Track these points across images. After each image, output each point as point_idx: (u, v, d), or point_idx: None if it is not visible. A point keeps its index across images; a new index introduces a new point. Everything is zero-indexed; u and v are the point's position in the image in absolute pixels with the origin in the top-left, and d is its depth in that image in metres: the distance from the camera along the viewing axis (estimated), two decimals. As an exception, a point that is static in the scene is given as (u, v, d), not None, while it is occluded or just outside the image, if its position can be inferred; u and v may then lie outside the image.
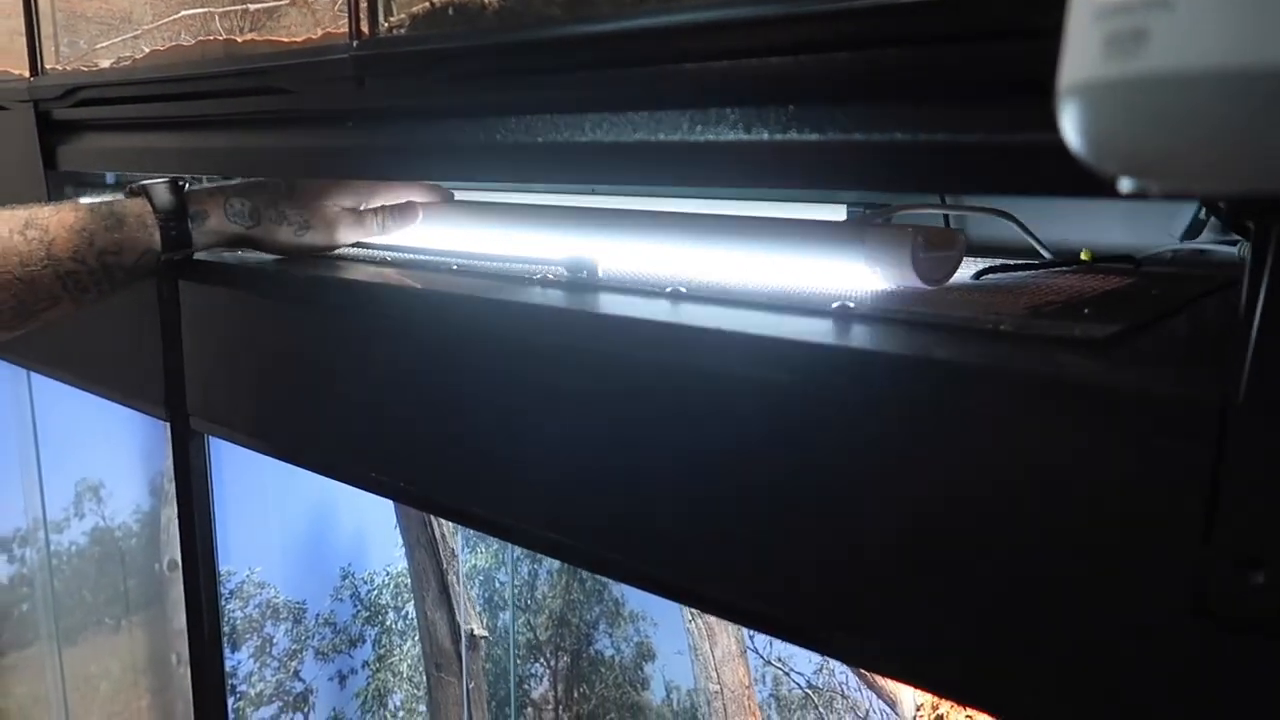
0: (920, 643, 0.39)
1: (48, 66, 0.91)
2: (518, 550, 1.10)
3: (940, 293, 0.56)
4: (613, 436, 0.48)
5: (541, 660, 1.15)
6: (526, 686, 1.15)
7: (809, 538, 0.41)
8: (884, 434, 0.39)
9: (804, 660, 0.94)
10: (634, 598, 1.08)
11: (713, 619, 0.85)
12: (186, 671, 1.41)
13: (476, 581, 1.05)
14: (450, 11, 0.53)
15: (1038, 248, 0.67)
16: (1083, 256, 0.67)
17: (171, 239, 0.66)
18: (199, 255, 0.70)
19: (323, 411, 0.65)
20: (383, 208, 0.72)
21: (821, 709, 0.88)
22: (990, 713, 0.37)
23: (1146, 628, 0.33)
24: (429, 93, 0.55)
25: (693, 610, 0.85)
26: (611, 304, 0.51)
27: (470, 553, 1.04)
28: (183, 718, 1.44)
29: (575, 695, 1.16)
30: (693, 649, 0.86)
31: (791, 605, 0.43)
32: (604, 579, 1.08)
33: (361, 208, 0.72)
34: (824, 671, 0.91)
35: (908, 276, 0.56)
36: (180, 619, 1.41)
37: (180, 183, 0.67)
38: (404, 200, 0.73)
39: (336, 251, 0.73)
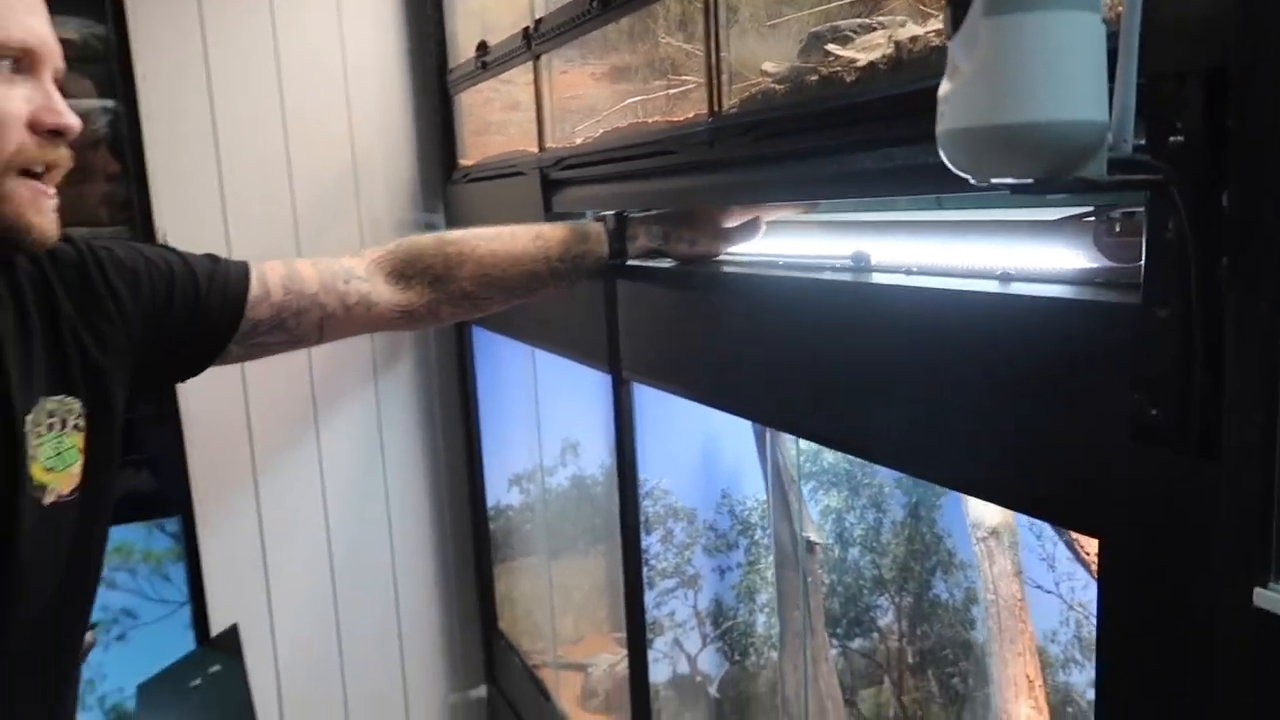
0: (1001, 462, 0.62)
1: (547, 145, 1.38)
2: (863, 498, 1.36)
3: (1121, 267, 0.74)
4: (878, 363, 0.75)
5: (886, 595, 1.39)
6: (873, 614, 1.40)
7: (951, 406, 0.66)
8: (990, 333, 0.63)
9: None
10: (964, 549, 1.29)
11: (993, 544, 1.04)
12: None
13: (830, 518, 1.33)
14: (759, 96, 0.85)
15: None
16: None
17: (615, 250, 1.06)
18: (632, 261, 1.10)
19: (710, 361, 0.99)
20: (742, 224, 1.06)
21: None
22: (1010, 503, 0.59)
23: (1112, 443, 0.54)
24: (750, 146, 0.88)
25: (980, 535, 1.06)
26: (877, 279, 0.79)
27: (825, 495, 1.33)
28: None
29: (918, 633, 1.38)
30: (977, 566, 1.06)
31: (934, 447, 0.68)
32: (938, 532, 1.30)
33: (728, 225, 1.06)
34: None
35: (1097, 256, 0.76)
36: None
37: (624, 214, 1.07)
38: (753, 217, 1.06)
39: (720, 257, 1.07)
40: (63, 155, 0.77)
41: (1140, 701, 0.56)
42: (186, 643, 1.75)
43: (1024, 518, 1.11)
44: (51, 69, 0.75)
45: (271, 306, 0.96)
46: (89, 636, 0.89)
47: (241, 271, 0.96)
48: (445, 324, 1.11)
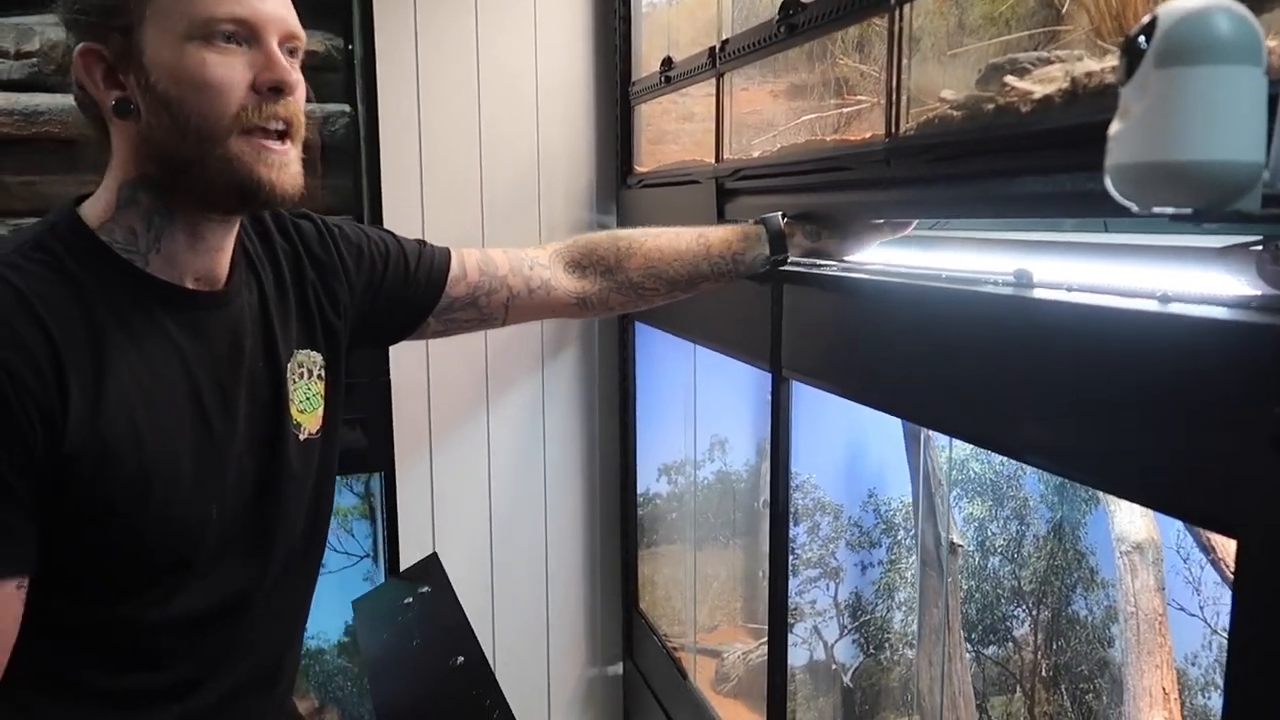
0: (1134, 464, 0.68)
1: (724, 156, 1.49)
2: (1007, 509, 1.40)
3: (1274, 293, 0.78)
4: (1034, 370, 0.81)
5: (1024, 607, 1.42)
6: (1008, 624, 1.43)
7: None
8: (1144, 347, 0.68)
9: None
10: (1106, 567, 1.31)
11: (1137, 558, 1.08)
12: (767, 586, 1.92)
13: (973, 526, 1.38)
14: (936, 121, 0.92)
15: None
16: None
17: (776, 247, 1.15)
18: (796, 267, 1.18)
19: (870, 364, 1.07)
20: (888, 222, 1.14)
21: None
22: (1154, 504, 0.65)
23: (1252, 452, 0.59)
24: (925, 167, 0.95)
25: (1124, 549, 1.09)
26: (1040, 294, 0.85)
27: (970, 502, 1.38)
28: (761, 619, 1.95)
29: (1054, 647, 1.40)
30: (1118, 580, 1.09)
31: (1083, 449, 0.74)
32: (1081, 550, 1.33)
33: (875, 222, 1.15)
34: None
35: (1258, 283, 0.80)
36: (767, 546, 1.93)
37: (783, 215, 1.17)
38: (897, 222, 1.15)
39: (877, 266, 1.15)
40: (290, 111, 0.81)
41: (1269, 695, 0.61)
42: (364, 591, 1.94)
43: (1170, 538, 1.13)
44: (276, 35, 0.80)
45: (468, 285, 1.10)
46: None
47: (445, 254, 1.10)
48: (613, 314, 1.22)
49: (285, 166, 0.82)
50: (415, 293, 1.07)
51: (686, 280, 1.17)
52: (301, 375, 0.94)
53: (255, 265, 0.93)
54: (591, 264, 1.16)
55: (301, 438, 0.92)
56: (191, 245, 0.84)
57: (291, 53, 0.83)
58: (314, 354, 0.96)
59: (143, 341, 0.81)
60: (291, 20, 0.83)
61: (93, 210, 0.83)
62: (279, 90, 0.80)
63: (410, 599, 1.18)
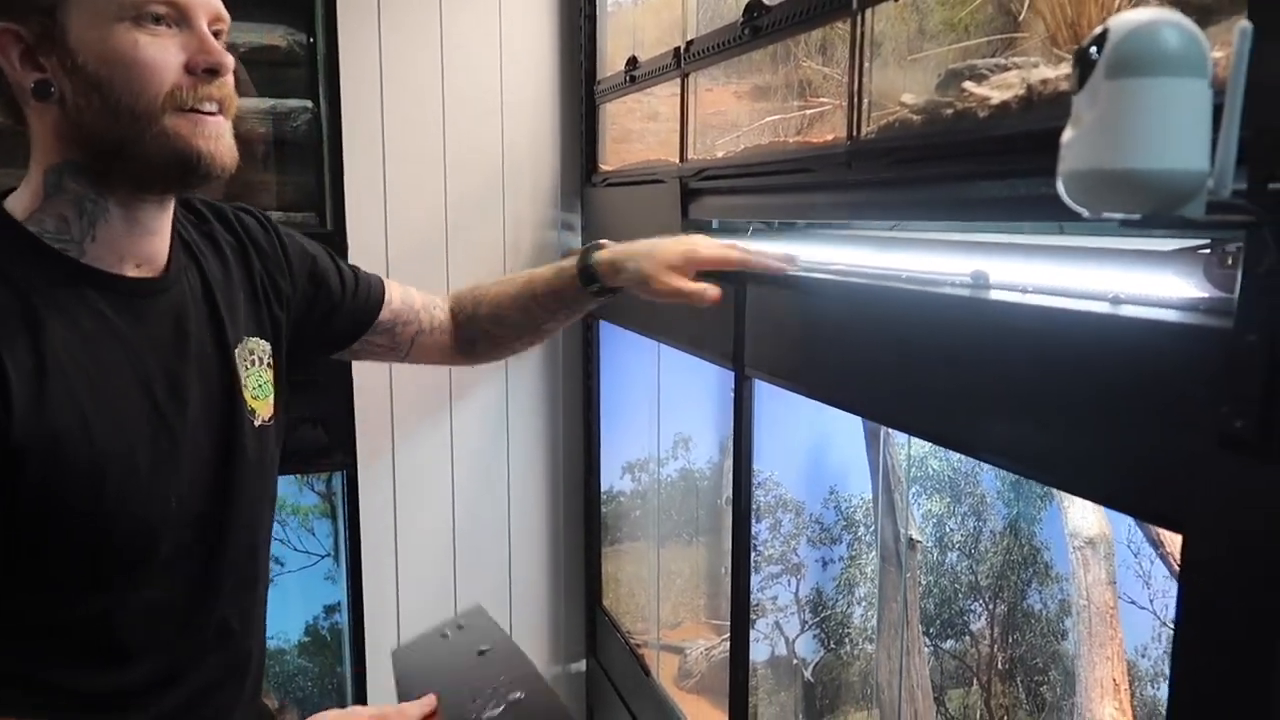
0: (1088, 463, 0.69)
1: (689, 156, 1.49)
2: (965, 505, 1.42)
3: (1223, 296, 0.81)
4: (991, 370, 0.83)
5: (980, 601, 1.45)
6: (966, 617, 1.46)
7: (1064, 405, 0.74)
8: (1096, 348, 0.70)
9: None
10: (1061, 562, 1.34)
11: (1089, 553, 1.10)
12: (730, 582, 1.93)
13: (931, 522, 1.40)
14: (897, 124, 0.94)
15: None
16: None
17: (586, 278, 1.14)
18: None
19: (831, 363, 1.08)
20: (691, 288, 1.10)
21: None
22: (1104, 500, 0.67)
23: (1199, 450, 0.61)
24: (886, 170, 0.96)
25: (1077, 544, 1.12)
26: (996, 296, 0.87)
27: (928, 499, 1.40)
28: (724, 616, 1.97)
29: (1009, 640, 1.44)
30: (1072, 574, 1.12)
31: (1038, 448, 0.75)
32: (1036, 545, 1.36)
33: (676, 281, 1.10)
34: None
35: (1206, 286, 0.82)
36: (730, 543, 1.94)
37: (600, 244, 1.16)
38: (705, 287, 1.11)
39: (838, 266, 1.16)
40: (224, 92, 0.82)
41: (1213, 690, 0.63)
42: (325, 591, 1.92)
43: (1121, 533, 1.16)
44: (206, 17, 0.81)
45: (391, 312, 1.15)
46: None
47: (379, 280, 1.15)
48: (487, 361, 1.25)
49: (220, 137, 0.82)
50: (356, 307, 1.11)
51: (528, 322, 1.19)
52: (252, 362, 0.94)
53: (194, 251, 0.92)
54: (460, 310, 1.21)
55: (256, 424, 0.92)
56: (128, 230, 0.83)
57: (217, 35, 0.83)
58: (263, 342, 0.97)
59: (84, 333, 0.79)
60: (218, 3, 0.84)
61: (19, 202, 0.81)
62: (214, 72, 0.81)
63: (447, 632, 1.21)
